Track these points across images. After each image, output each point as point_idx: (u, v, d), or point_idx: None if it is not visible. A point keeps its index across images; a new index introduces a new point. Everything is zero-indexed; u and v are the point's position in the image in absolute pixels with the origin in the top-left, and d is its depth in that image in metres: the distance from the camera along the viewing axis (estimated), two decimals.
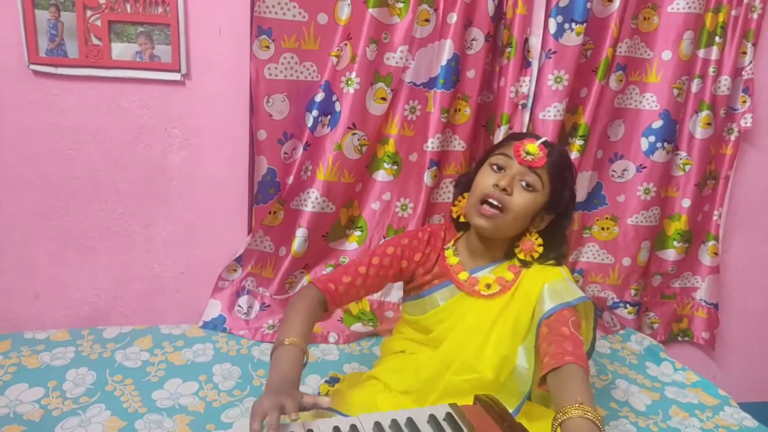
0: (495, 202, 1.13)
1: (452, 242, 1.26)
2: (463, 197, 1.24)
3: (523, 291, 1.17)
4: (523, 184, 1.14)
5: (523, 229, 1.18)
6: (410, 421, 0.96)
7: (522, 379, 1.12)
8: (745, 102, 1.83)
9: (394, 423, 0.95)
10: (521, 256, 1.19)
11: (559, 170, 1.16)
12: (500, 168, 1.16)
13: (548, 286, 1.13)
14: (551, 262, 1.20)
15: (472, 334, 1.17)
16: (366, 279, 1.22)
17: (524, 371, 1.12)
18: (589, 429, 0.88)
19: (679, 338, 2.03)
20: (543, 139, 1.16)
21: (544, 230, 1.20)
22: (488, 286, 1.19)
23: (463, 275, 1.21)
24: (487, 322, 1.16)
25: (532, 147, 1.13)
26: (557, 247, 1.20)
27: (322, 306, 1.18)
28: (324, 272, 1.69)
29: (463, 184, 1.26)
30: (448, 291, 1.22)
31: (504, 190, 1.12)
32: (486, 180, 1.15)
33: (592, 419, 0.88)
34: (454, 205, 1.26)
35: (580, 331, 1.08)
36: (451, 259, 1.23)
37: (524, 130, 1.67)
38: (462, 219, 1.24)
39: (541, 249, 1.18)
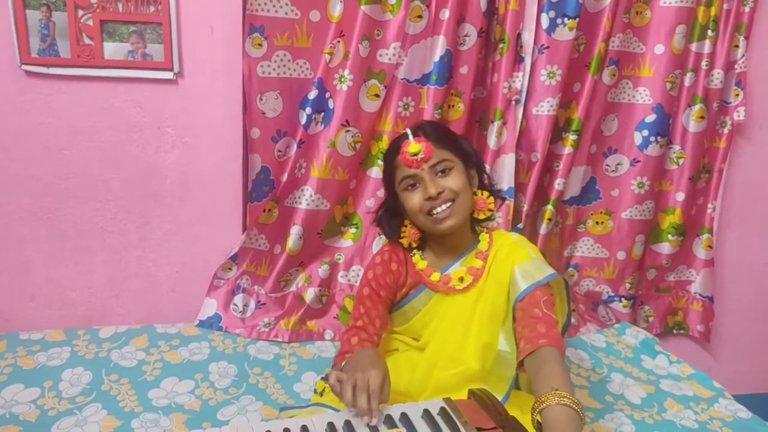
0: (443, 207, 1.16)
1: (417, 248, 1.28)
2: (405, 226, 1.26)
3: (494, 277, 1.19)
4: (440, 173, 1.17)
5: (472, 198, 1.22)
6: (404, 416, 0.96)
7: (506, 364, 1.14)
8: (737, 95, 1.83)
9: (389, 419, 0.95)
10: (482, 216, 1.23)
11: (444, 139, 1.19)
12: (414, 184, 1.18)
13: (518, 268, 1.16)
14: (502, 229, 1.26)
15: (453, 328, 1.19)
16: (367, 323, 1.25)
17: (507, 355, 1.14)
18: (568, 415, 0.89)
19: (675, 331, 2.04)
20: (410, 131, 1.18)
21: (479, 185, 1.25)
22: (461, 279, 1.21)
23: (435, 276, 1.23)
24: (465, 314, 1.19)
25: (412, 147, 1.15)
26: (492, 187, 1.26)
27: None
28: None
29: (388, 220, 1.28)
30: (425, 295, 1.24)
31: (438, 194, 1.15)
32: (415, 201, 1.18)
33: (570, 405, 0.89)
34: (402, 237, 1.26)
35: (553, 309, 1.11)
36: (420, 264, 1.25)
37: (517, 126, 1.67)
38: (414, 244, 1.26)
39: (492, 200, 1.23)
